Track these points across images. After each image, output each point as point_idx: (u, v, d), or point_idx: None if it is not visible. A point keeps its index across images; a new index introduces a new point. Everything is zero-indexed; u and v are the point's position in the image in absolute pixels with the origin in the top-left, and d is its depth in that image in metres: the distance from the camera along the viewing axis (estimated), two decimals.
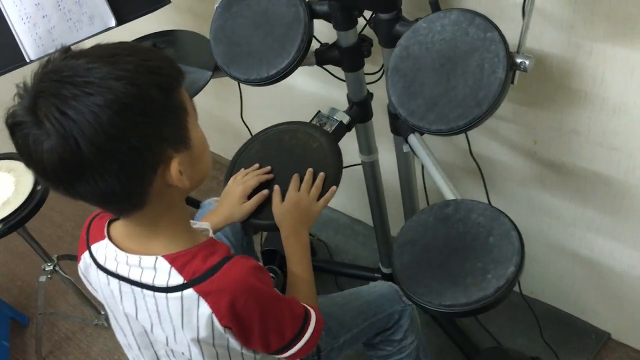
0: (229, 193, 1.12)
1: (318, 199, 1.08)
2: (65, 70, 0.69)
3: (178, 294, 0.80)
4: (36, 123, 0.67)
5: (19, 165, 1.52)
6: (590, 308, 1.61)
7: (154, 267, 0.81)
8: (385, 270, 1.75)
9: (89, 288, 0.94)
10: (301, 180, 1.10)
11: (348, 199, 1.97)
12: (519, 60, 0.95)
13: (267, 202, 1.11)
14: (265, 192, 1.10)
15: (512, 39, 0.96)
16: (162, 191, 0.77)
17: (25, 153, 0.70)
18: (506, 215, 0.99)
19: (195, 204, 1.58)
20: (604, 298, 1.54)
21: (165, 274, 0.80)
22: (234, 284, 0.80)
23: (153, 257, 0.81)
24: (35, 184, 1.47)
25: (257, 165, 1.16)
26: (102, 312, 1.88)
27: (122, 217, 0.83)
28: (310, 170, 1.11)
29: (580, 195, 1.34)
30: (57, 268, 1.68)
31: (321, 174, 1.10)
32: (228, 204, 1.11)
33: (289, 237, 1.04)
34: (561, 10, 1.06)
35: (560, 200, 1.39)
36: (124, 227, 0.85)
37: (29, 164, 0.71)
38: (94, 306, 1.86)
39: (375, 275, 1.76)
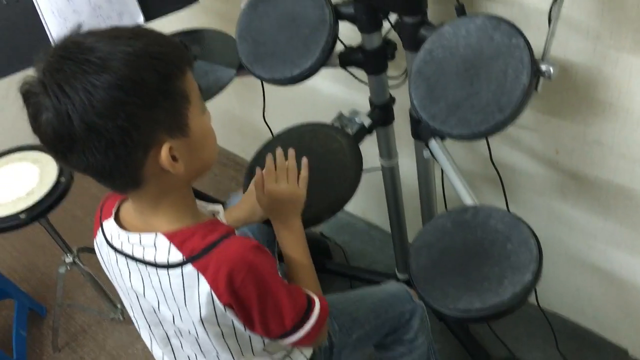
0: (250, 190, 1.12)
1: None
2: (71, 46, 0.73)
3: (178, 270, 0.82)
4: (41, 94, 0.71)
5: (43, 157, 1.55)
6: (608, 323, 1.59)
7: (154, 245, 0.83)
8: (401, 276, 1.75)
9: (103, 265, 0.96)
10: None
11: (366, 203, 1.97)
12: (543, 67, 0.94)
13: None
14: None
15: (537, 46, 0.95)
16: (157, 174, 0.79)
17: (31, 120, 0.74)
18: (525, 223, 0.99)
19: (206, 198, 1.59)
20: (622, 314, 1.52)
21: (165, 250, 0.82)
22: (231, 259, 0.81)
23: (152, 234, 0.83)
24: (59, 175, 1.49)
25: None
26: (119, 306, 1.90)
27: (120, 193, 0.86)
28: (279, 151, 1.07)
29: (602, 207, 1.33)
30: (76, 260, 1.71)
31: (303, 159, 1.06)
32: (251, 203, 1.11)
33: (280, 230, 1.04)
34: (587, 19, 1.05)
35: (580, 212, 1.38)
36: (130, 205, 0.88)
37: (34, 130, 0.75)
38: (111, 300, 1.88)
39: (382, 283, 1.75)
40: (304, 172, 1.06)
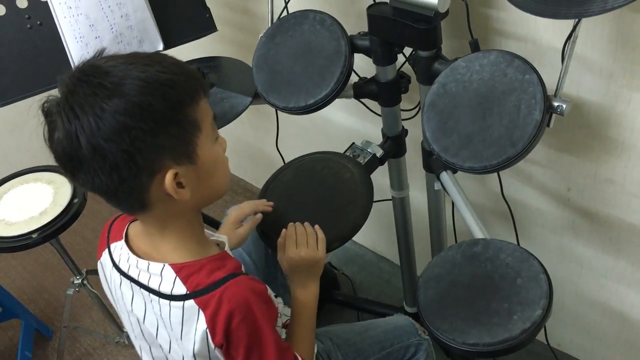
0: (227, 217, 1.15)
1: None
2: (89, 70, 0.75)
3: (180, 303, 0.82)
4: (56, 114, 0.73)
5: (58, 178, 1.57)
6: None
7: (161, 274, 0.83)
8: (409, 309, 1.73)
9: (105, 286, 0.96)
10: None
11: (376, 234, 1.97)
12: (556, 104, 0.95)
13: (276, 218, 1.13)
14: (258, 216, 1.14)
15: (550, 83, 0.96)
16: (163, 198, 0.79)
17: (47, 138, 0.76)
18: (535, 258, 0.98)
19: (214, 224, 1.60)
20: (633, 356, 1.49)
21: (171, 281, 0.82)
22: (234, 301, 0.81)
23: (161, 265, 0.83)
24: (72, 197, 1.51)
25: (264, 200, 1.19)
26: (124, 330, 1.89)
27: (127, 214, 0.87)
28: (298, 224, 1.09)
29: (614, 246, 1.32)
30: (85, 282, 1.71)
31: (316, 226, 1.08)
32: (225, 228, 1.14)
33: (296, 290, 1.04)
34: (601, 58, 1.06)
35: (592, 250, 1.37)
36: (139, 227, 0.89)
37: (49, 147, 0.77)
38: (117, 323, 1.88)
39: (388, 316, 1.73)
40: (321, 234, 1.07)
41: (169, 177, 0.77)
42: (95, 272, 1.76)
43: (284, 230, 1.07)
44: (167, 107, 0.74)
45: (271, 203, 1.18)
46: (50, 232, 1.44)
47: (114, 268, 0.89)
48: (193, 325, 0.82)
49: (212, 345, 0.82)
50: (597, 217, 1.30)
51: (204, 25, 1.41)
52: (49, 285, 2.22)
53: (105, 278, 0.94)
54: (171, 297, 0.82)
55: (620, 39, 1.02)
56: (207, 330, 0.81)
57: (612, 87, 1.08)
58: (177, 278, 0.82)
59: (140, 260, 0.85)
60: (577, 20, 0.90)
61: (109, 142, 0.72)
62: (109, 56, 0.77)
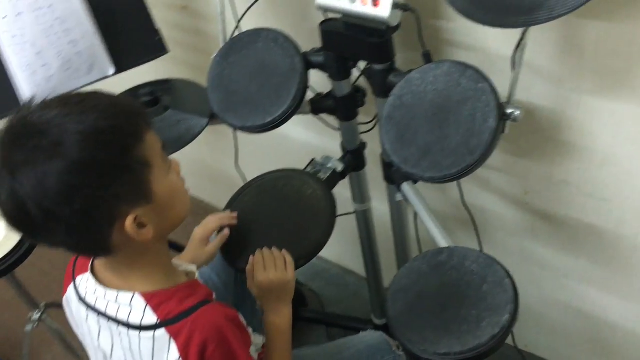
0: (193, 237, 1.13)
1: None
2: (21, 130, 0.71)
3: (150, 333, 0.79)
4: None
5: None
6: None
7: (130, 304, 0.81)
8: (377, 321, 1.73)
9: (71, 322, 0.93)
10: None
11: (341, 248, 1.96)
12: (509, 111, 0.97)
13: (240, 240, 1.12)
14: (225, 232, 1.12)
15: (502, 90, 0.98)
16: (126, 241, 0.77)
17: None
18: (499, 263, 1.00)
19: (179, 248, 1.56)
20: (598, 352, 1.53)
21: (140, 311, 0.80)
22: (206, 329, 0.79)
23: (130, 294, 0.81)
24: None
25: (227, 212, 1.17)
26: None
27: (93, 258, 0.84)
28: (265, 249, 1.08)
29: (572, 246, 1.35)
30: (44, 316, 1.65)
31: (283, 250, 1.07)
32: (192, 248, 1.12)
33: (268, 316, 1.03)
34: (549, 64, 1.09)
35: (552, 251, 1.40)
36: (105, 260, 0.86)
37: None
38: (80, 358, 1.82)
39: (367, 326, 1.73)
40: (288, 257, 1.06)
41: (128, 222, 0.74)
42: (55, 305, 1.71)
43: (251, 257, 1.06)
44: (112, 156, 0.71)
45: (235, 214, 1.16)
46: (5, 267, 1.39)
47: (80, 302, 0.86)
48: (164, 355, 0.79)
49: None
50: (555, 219, 1.33)
51: (155, 48, 1.39)
52: (6, 322, 2.13)
53: (72, 313, 0.91)
54: (141, 328, 0.80)
55: (567, 45, 1.05)
56: (180, 359, 0.79)
57: (562, 91, 1.12)
58: (148, 307, 0.80)
59: (108, 290, 0.83)
60: (525, 28, 0.93)
61: (60, 205, 0.69)
62: (40, 106, 0.72)
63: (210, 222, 1.14)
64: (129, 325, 0.81)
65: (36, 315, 1.65)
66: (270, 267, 1.04)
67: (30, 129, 0.70)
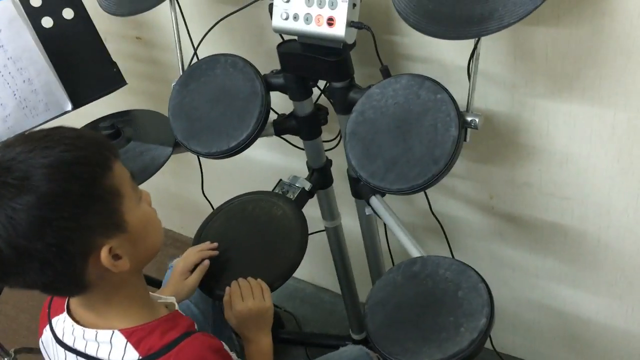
0: (173, 270, 1.13)
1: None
2: None
3: None
4: None
5: None
6: (561, 358, 1.62)
7: (110, 342, 0.79)
8: (356, 336, 1.73)
9: None
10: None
11: (313, 267, 1.96)
12: (469, 119, 1.00)
13: (215, 269, 1.11)
14: (205, 263, 1.11)
15: (460, 99, 1.01)
16: (102, 275, 0.76)
17: None
18: (472, 268, 1.01)
19: (156, 283, 1.55)
20: (573, 347, 1.56)
21: (121, 348, 0.79)
22: None
23: (109, 332, 0.79)
24: None
25: (207, 243, 1.17)
26: None
27: (69, 297, 0.82)
28: (241, 279, 1.09)
29: (539, 246, 1.38)
30: None
31: (258, 279, 1.08)
32: (173, 281, 1.11)
33: (249, 347, 1.03)
34: (503, 71, 1.13)
35: (520, 253, 1.43)
36: (80, 299, 0.84)
37: None
38: None
39: (346, 343, 1.73)
40: (264, 285, 1.07)
41: (104, 254, 0.73)
42: (25, 350, 1.66)
43: (227, 288, 1.06)
44: (82, 186, 0.71)
45: (215, 244, 1.15)
46: None
47: (57, 343, 0.84)
48: None
49: None
50: (521, 220, 1.36)
51: (112, 80, 1.38)
52: None
53: (49, 356, 0.89)
54: None
55: (518, 52, 1.08)
56: None
57: (517, 96, 1.15)
58: (128, 343, 0.79)
59: (86, 330, 0.81)
60: (477, 39, 0.96)
61: (32, 240, 0.68)
62: (2, 145, 0.71)
63: (191, 255, 1.13)
64: None
65: None
66: (248, 296, 1.04)
67: None
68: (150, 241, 0.82)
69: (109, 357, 0.79)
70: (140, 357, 0.78)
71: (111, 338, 0.79)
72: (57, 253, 0.70)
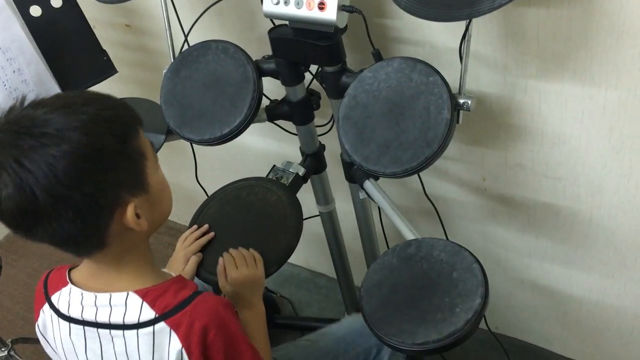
0: (174, 261, 1.14)
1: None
2: (23, 121, 0.72)
3: (149, 328, 0.80)
4: None
5: None
6: (554, 337, 1.64)
7: (125, 304, 0.81)
8: None
9: (47, 350, 0.92)
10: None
11: (308, 252, 1.97)
12: (462, 101, 1.00)
13: (212, 255, 1.13)
14: (199, 254, 1.13)
15: (452, 82, 1.01)
16: (121, 233, 0.79)
17: None
18: (466, 249, 1.02)
19: None
20: (566, 325, 1.58)
21: (137, 309, 0.81)
22: (205, 315, 0.81)
23: (124, 293, 0.81)
24: None
25: (195, 226, 1.18)
26: None
27: (81, 257, 0.84)
28: (232, 249, 1.11)
29: (532, 226, 1.39)
30: (12, 353, 1.60)
31: (250, 249, 1.10)
32: (175, 262, 1.13)
33: (244, 312, 1.05)
34: (494, 53, 1.13)
35: (513, 233, 1.44)
36: (87, 268, 0.86)
37: None
38: None
39: (342, 319, 1.74)
40: (257, 255, 1.09)
41: (130, 210, 0.77)
42: (21, 340, 1.67)
43: (220, 258, 1.08)
44: (117, 142, 0.75)
45: (206, 226, 1.17)
46: None
47: (60, 319, 0.85)
48: (165, 348, 0.80)
49: None
50: (514, 201, 1.37)
51: (103, 69, 1.37)
52: None
53: (47, 340, 0.89)
54: (138, 325, 0.80)
55: (510, 33, 1.09)
56: (183, 349, 0.80)
57: (508, 78, 1.15)
58: (144, 303, 0.81)
59: (99, 295, 0.82)
60: (469, 20, 0.96)
61: (71, 189, 0.71)
62: (36, 103, 0.75)
63: (188, 244, 1.15)
64: (124, 326, 0.81)
65: (3, 352, 1.60)
66: (242, 264, 1.07)
67: (35, 120, 0.72)
68: (164, 206, 0.86)
69: (123, 320, 0.81)
70: (157, 315, 0.80)
71: (126, 299, 0.81)
72: (90, 204, 0.72)
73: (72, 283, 0.86)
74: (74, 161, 0.70)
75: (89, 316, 0.82)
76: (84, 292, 0.84)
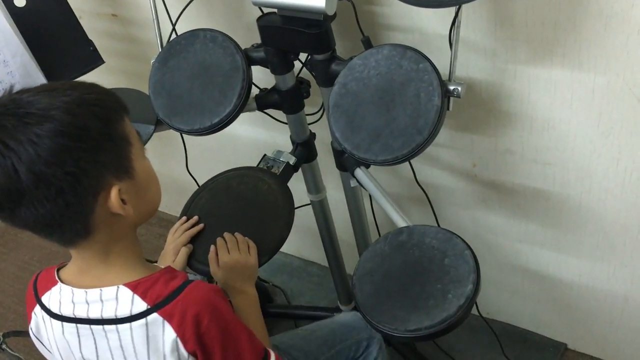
0: (165, 254, 1.14)
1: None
2: (9, 104, 0.73)
3: (142, 320, 0.80)
4: None
5: None
6: (545, 321, 1.66)
7: (116, 298, 0.81)
8: (344, 308, 1.75)
9: (42, 351, 0.91)
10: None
11: (300, 240, 1.97)
12: (452, 87, 1.00)
13: (203, 245, 1.13)
14: (189, 246, 1.13)
15: (441, 68, 1.01)
16: (107, 220, 0.79)
17: None
18: (458, 236, 1.03)
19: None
20: (556, 310, 1.59)
21: (128, 302, 0.80)
22: (197, 303, 0.81)
23: (114, 287, 0.81)
24: None
25: (184, 218, 1.19)
26: None
27: (68, 246, 0.83)
28: (226, 234, 1.12)
29: (522, 211, 1.40)
30: (3, 346, 1.60)
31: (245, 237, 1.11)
32: (166, 255, 1.13)
33: (236, 298, 1.05)
34: (483, 39, 1.13)
35: (504, 219, 1.45)
36: (75, 265, 0.86)
37: None
38: None
39: (335, 314, 1.75)
40: (251, 242, 1.10)
41: (114, 193, 0.77)
42: (13, 333, 1.66)
43: (212, 246, 1.09)
44: (100, 124, 0.76)
45: (195, 218, 1.17)
46: None
47: (51, 318, 0.84)
48: (160, 339, 0.80)
49: (184, 353, 0.81)
50: (504, 187, 1.37)
51: (90, 59, 1.36)
52: None
53: (42, 341, 0.89)
54: (131, 318, 0.80)
55: (498, 19, 1.08)
56: (178, 338, 0.80)
57: (498, 64, 1.15)
58: (135, 295, 0.80)
59: (89, 291, 0.82)
60: (458, 6, 0.95)
61: (52, 166, 0.71)
62: (21, 90, 0.76)
63: (178, 236, 1.15)
64: (117, 320, 0.80)
65: None
66: (234, 249, 1.08)
67: (19, 102, 0.73)
68: (151, 195, 0.86)
69: (115, 314, 0.80)
70: (149, 306, 0.80)
71: (117, 293, 0.81)
72: (72, 183, 0.73)
73: (62, 281, 0.85)
74: (56, 138, 0.71)
75: (80, 313, 0.82)
76: (74, 289, 0.83)
